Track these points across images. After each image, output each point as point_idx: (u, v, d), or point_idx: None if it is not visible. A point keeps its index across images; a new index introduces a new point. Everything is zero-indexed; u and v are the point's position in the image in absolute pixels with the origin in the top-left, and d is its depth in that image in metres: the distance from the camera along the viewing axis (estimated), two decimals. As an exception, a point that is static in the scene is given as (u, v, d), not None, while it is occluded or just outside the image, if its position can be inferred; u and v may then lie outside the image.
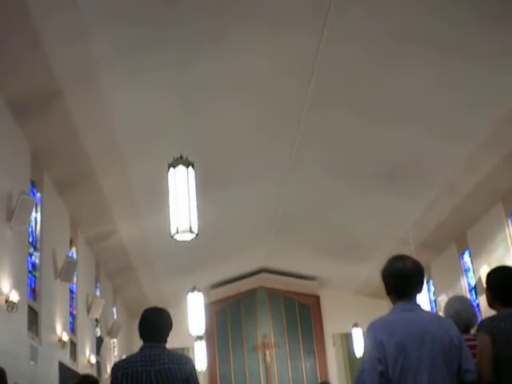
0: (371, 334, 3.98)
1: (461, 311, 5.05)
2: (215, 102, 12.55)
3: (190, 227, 8.51)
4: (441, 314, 5.26)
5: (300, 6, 10.39)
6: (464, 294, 16.10)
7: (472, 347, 4.36)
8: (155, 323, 4.98)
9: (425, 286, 19.05)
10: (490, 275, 4.69)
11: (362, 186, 16.08)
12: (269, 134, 14.07)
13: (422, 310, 4.14)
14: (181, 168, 8.84)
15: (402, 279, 4.11)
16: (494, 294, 4.59)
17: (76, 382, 7.36)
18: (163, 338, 4.98)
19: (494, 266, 15.66)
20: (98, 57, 10.47)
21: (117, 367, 4.88)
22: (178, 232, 8.52)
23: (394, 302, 4.15)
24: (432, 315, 4.27)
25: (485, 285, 4.70)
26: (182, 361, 4.88)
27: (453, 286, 18.29)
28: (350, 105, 12.93)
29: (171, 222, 8.57)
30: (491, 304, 4.63)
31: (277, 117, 13.47)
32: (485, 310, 4.94)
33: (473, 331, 5.05)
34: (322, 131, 13.92)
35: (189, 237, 8.64)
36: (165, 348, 4.93)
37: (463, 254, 18.15)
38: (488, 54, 10.84)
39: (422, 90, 12.11)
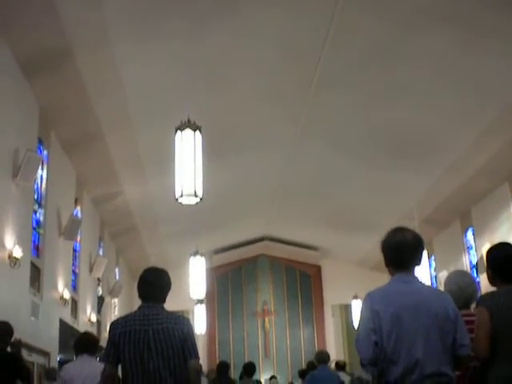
0: (367, 304, 4.00)
1: (464, 286, 5.00)
2: (226, 70, 12.54)
3: (195, 191, 8.52)
4: (441, 289, 5.25)
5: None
6: (465, 271, 16.15)
7: (470, 322, 4.36)
8: (154, 283, 4.99)
9: (426, 262, 19.17)
10: (489, 252, 4.67)
11: (368, 161, 16.09)
12: (277, 106, 14.07)
13: (420, 282, 4.14)
14: (188, 132, 8.82)
15: (401, 251, 4.12)
16: (494, 270, 4.58)
17: (76, 339, 7.44)
18: (162, 298, 4.99)
19: (496, 244, 15.31)
20: (112, 21, 10.44)
21: (115, 325, 4.91)
22: (182, 195, 8.54)
23: (392, 273, 4.16)
24: (429, 288, 4.27)
25: (485, 262, 4.70)
26: (180, 321, 4.90)
27: (454, 263, 18.33)
28: (358, 84, 12.93)
29: (176, 185, 8.58)
30: (492, 281, 4.61)
31: (285, 90, 13.47)
32: (485, 287, 4.96)
33: (473, 306, 5.05)
34: (329, 107, 13.94)
35: (193, 200, 8.65)
36: (163, 308, 4.95)
37: (466, 231, 18.17)
38: (500, 36, 10.76)
39: (430, 68, 12.07)
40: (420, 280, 4.14)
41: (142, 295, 5.00)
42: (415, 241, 4.15)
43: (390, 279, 4.15)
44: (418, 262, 4.17)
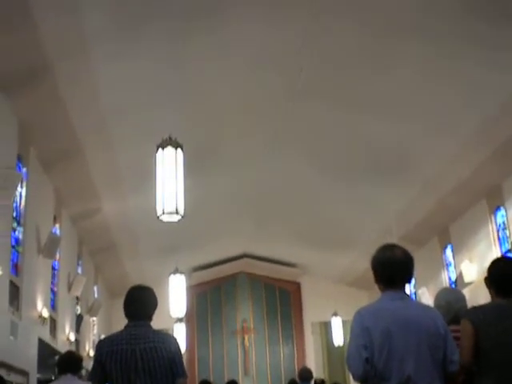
0: (358, 320, 4.02)
1: (452, 301, 5.09)
2: (205, 86, 12.51)
3: (177, 209, 8.51)
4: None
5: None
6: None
7: (459, 338, 4.41)
8: (141, 301, 4.97)
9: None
10: (491, 264, 4.71)
11: (347, 178, 16.11)
12: (256, 120, 14.07)
13: (410, 299, 4.19)
14: (169, 149, 8.83)
15: (391, 267, 4.15)
16: (490, 282, 4.61)
17: (59, 358, 7.35)
18: (148, 317, 4.98)
19: (475, 261, 15.62)
20: (90, 32, 10.37)
21: (101, 345, 4.88)
22: (163, 213, 8.52)
23: (382, 290, 4.19)
24: (419, 304, 4.31)
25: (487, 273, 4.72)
26: (167, 339, 4.89)
27: (433, 280, 18.40)
28: (336, 97, 12.92)
29: (157, 202, 8.56)
30: (490, 292, 4.65)
31: (264, 105, 13.47)
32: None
33: None
34: (309, 122, 13.93)
35: (175, 218, 8.64)
36: (150, 326, 4.93)
37: (445, 248, 18.24)
38: (477, 49, 10.81)
39: (410, 84, 12.11)
40: (410, 297, 4.17)
41: (128, 314, 4.97)
42: (405, 258, 4.19)
43: (380, 296, 4.17)
44: (408, 279, 4.20)
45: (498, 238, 15.27)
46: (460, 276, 16.36)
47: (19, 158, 12.55)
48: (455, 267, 17.38)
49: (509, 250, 14.69)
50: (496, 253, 14.87)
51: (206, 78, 12.34)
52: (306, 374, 11.00)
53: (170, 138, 8.89)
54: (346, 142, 14.52)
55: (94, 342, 19.42)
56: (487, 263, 4.76)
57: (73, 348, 16.20)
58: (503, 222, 15.05)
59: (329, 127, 14.06)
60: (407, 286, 4.22)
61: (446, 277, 18.14)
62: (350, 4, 10.38)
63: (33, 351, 13.01)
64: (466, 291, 14.53)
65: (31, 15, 9.72)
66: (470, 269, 15.86)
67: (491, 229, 15.43)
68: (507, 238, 14.82)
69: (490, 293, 4.60)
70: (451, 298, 5.14)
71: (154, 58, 11.39)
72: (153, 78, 11.93)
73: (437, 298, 5.23)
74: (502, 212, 15.08)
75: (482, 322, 4.33)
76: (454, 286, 17.19)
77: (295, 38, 11.23)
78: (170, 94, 12.24)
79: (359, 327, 3.97)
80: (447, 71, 11.56)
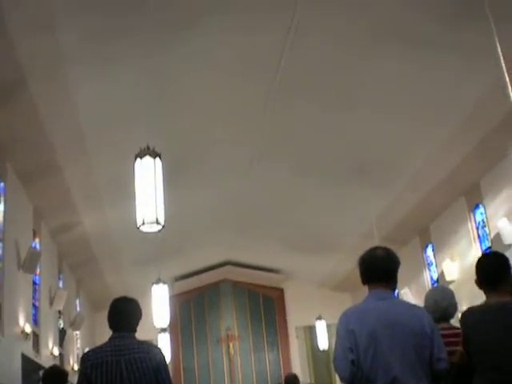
0: (343, 322, 4.03)
1: (439, 300, 5.14)
2: (182, 95, 12.52)
3: (157, 218, 8.46)
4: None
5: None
6: (426, 288, 16.33)
7: (447, 336, 4.40)
8: (125, 313, 4.95)
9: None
10: (478, 260, 4.66)
11: (327, 181, 16.14)
12: (236, 129, 14.09)
13: (395, 299, 4.20)
14: (148, 159, 8.78)
15: (371, 264, 4.22)
16: (480, 282, 4.54)
17: (44, 372, 7.29)
18: (133, 328, 4.95)
19: (456, 259, 15.64)
20: (65, 47, 10.34)
21: (86, 357, 4.84)
22: (144, 223, 8.47)
23: (369, 290, 4.23)
24: (405, 303, 4.32)
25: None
26: (152, 350, 4.87)
27: (416, 280, 18.45)
28: (314, 99, 12.95)
29: (137, 213, 8.50)
30: (479, 287, 4.57)
31: (243, 113, 13.49)
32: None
33: (453, 321, 5.15)
34: (287, 125, 13.95)
35: (155, 228, 8.58)
36: (134, 337, 4.90)
37: (426, 247, 18.33)
38: (458, 51, 10.90)
39: (388, 85, 12.18)
40: (396, 296, 4.19)
41: (112, 325, 4.94)
42: (386, 255, 4.24)
43: (366, 296, 4.19)
44: (393, 278, 4.23)
45: (478, 236, 15.37)
46: (441, 275, 16.45)
47: (-4, 174, 12.48)
48: (436, 266, 17.46)
49: (489, 248, 14.79)
50: (476, 250, 14.96)
51: (184, 88, 12.34)
52: (292, 381, 10.90)
53: (148, 148, 8.83)
54: (326, 146, 14.56)
55: (78, 355, 19.31)
56: (468, 261, 4.77)
57: (57, 362, 16.08)
58: (482, 220, 15.16)
59: (309, 133, 14.08)
60: (394, 285, 4.25)
61: (428, 276, 18.23)
62: (333, 4, 10.42)
63: (16, 367, 12.90)
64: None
65: (7, 33, 9.67)
66: (451, 267, 15.95)
67: (471, 227, 15.53)
68: (487, 235, 14.92)
69: (485, 293, 4.47)
70: (438, 297, 5.20)
71: (131, 70, 11.35)
72: (130, 90, 11.89)
73: (426, 298, 5.31)
74: (480, 210, 15.19)
75: (470, 326, 4.28)
76: (436, 285, 17.26)
77: (275, 45, 11.26)
78: (147, 106, 12.19)
79: (344, 329, 3.98)
80: (426, 72, 11.64)
